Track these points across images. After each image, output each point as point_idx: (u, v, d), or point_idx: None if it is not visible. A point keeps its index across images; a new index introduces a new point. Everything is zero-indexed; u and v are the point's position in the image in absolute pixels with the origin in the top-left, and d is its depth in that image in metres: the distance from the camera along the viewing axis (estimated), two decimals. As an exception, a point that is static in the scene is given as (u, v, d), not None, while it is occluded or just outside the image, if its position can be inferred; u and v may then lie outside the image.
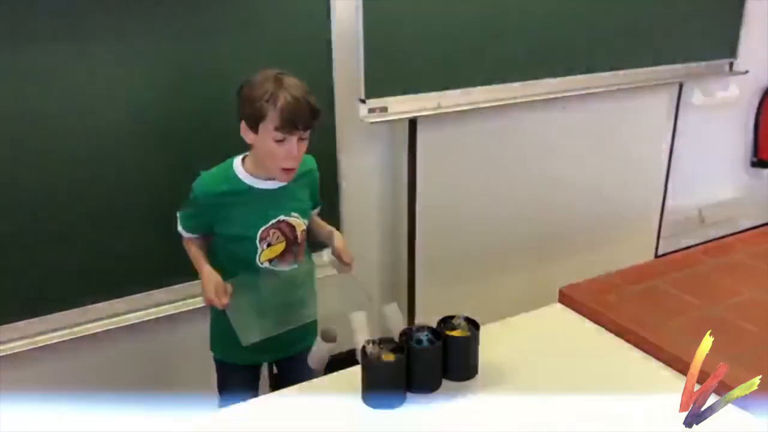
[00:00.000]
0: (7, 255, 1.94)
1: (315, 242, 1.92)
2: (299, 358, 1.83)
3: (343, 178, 2.45)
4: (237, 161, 1.74)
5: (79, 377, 2.22)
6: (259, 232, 1.74)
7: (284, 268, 1.80)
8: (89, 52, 1.91)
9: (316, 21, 2.23)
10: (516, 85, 2.71)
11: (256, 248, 1.75)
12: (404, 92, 2.45)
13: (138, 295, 2.16)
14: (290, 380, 1.75)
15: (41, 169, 1.93)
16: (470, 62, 2.57)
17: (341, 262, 1.83)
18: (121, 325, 2.15)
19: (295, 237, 1.79)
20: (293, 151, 1.64)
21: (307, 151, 1.71)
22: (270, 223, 1.74)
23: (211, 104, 2.07)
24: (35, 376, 2.14)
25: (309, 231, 1.86)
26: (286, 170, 1.68)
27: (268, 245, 1.76)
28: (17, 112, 1.87)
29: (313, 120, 1.64)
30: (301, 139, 1.64)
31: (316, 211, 1.92)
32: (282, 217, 1.76)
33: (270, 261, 1.78)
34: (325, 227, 1.92)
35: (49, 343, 2.05)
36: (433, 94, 2.52)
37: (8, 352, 2.00)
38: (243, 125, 1.66)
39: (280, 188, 1.74)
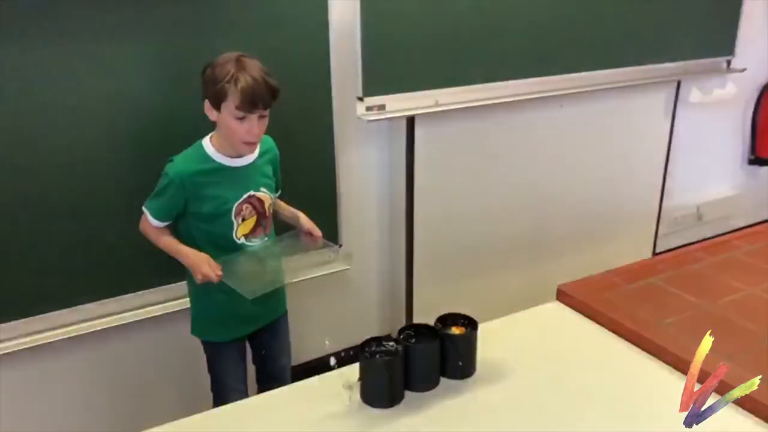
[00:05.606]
0: (4, 254, 1.93)
1: (280, 223, 2.02)
2: (274, 325, 2.03)
3: (341, 176, 2.45)
4: (206, 142, 1.83)
5: (77, 377, 2.22)
6: (234, 206, 1.82)
7: (257, 242, 1.90)
8: (89, 53, 1.91)
9: (314, 19, 2.22)
10: (513, 82, 2.71)
11: (233, 224, 1.84)
12: (402, 90, 2.45)
13: (135, 294, 2.15)
14: (269, 347, 2.04)
15: (38, 169, 1.92)
16: (468, 60, 2.57)
17: (311, 237, 1.97)
18: (118, 324, 2.14)
19: (264, 211, 1.90)
20: (253, 129, 1.75)
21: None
22: (242, 197, 1.84)
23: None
24: (32, 376, 2.14)
25: (273, 211, 1.97)
26: (248, 143, 1.79)
27: (243, 220, 1.85)
28: (13, 111, 1.86)
29: (272, 99, 1.75)
30: (261, 116, 1.76)
31: (277, 195, 2.00)
32: (252, 192, 1.86)
33: (245, 237, 1.87)
34: (289, 208, 2.04)
35: (45, 342, 2.04)
36: (431, 92, 2.52)
37: (5, 351, 1.99)
38: (207, 104, 1.77)
39: (248, 165, 1.85)
